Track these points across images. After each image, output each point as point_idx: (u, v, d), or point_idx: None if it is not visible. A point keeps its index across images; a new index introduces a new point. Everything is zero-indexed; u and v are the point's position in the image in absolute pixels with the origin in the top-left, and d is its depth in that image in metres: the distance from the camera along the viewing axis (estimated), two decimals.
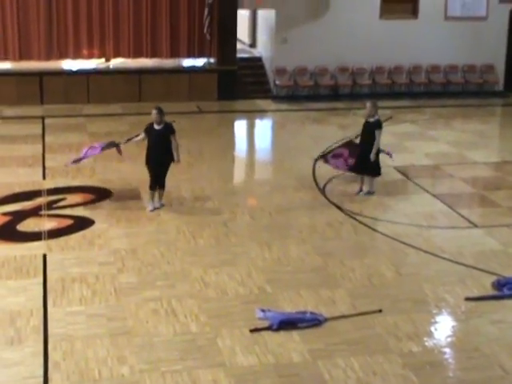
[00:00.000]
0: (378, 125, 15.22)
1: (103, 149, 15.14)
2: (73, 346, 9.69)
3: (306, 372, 9.31)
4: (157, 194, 14.57)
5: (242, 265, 12.23)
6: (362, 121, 15.71)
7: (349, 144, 16.00)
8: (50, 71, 23.31)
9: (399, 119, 22.43)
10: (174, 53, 24.48)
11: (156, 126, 14.22)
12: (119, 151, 15.19)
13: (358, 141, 15.66)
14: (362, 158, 15.32)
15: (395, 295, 11.34)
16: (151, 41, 24.11)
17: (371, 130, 15.18)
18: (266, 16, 25.82)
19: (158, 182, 14.46)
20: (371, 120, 15.25)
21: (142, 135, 14.42)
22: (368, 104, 15.36)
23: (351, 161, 15.67)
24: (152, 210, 14.42)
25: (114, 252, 12.62)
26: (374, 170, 15.48)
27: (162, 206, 14.59)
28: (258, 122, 23.65)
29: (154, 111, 14.20)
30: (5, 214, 14.26)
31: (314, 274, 12.00)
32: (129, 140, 14.87)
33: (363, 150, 15.29)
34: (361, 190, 15.65)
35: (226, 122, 23.00)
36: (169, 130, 14.26)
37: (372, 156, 15.15)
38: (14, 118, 21.54)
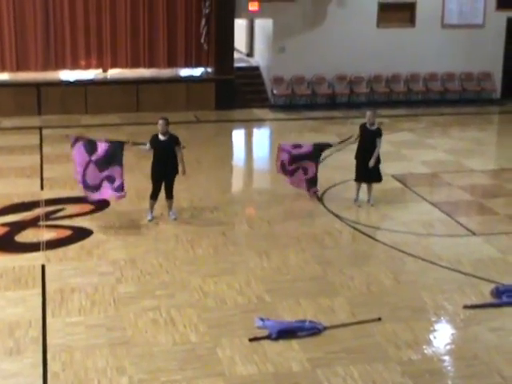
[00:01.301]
0: (379, 133, 15.25)
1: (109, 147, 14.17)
2: (72, 357, 9.68)
3: (305, 381, 9.30)
4: (164, 205, 14.57)
5: (241, 274, 12.23)
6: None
7: (318, 148, 15.86)
8: (48, 82, 23.34)
9: (397, 127, 22.50)
10: (172, 63, 24.51)
11: (161, 137, 14.16)
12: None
13: (356, 142, 15.64)
14: (365, 166, 15.29)
15: (394, 303, 11.34)
16: (148, 51, 24.13)
17: (373, 138, 15.19)
18: (263, 25, 25.85)
19: (165, 192, 14.45)
20: (372, 128, 15.26)
21: (148, 146, 14.31)
22: (368, 112, 15.35)
23: (292, 169, 15.66)
24: (151, 220, 14.41)
25: (113, 262, 12.61)
26: (378, 176, 15.49)
27: (175, 219, 14.54)
28: (255, 131, 23.67)
29: (161, 121, 14.11)
30: (3, 224, 14.25)
31: (313, 283, 12.00)
32: (135, 144, 14.65)
33: (366, 158, 15.26)
34: (357, 199, 15.63)
35: (224, 132, 23.00)
36: (174, 141, 14.23)
37: (371, 162, 15.16)
38: (12, 129, 21.54)
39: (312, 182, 15.67)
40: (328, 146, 15.99)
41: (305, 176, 15.66)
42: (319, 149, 15.83)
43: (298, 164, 15.64)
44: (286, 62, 24.76)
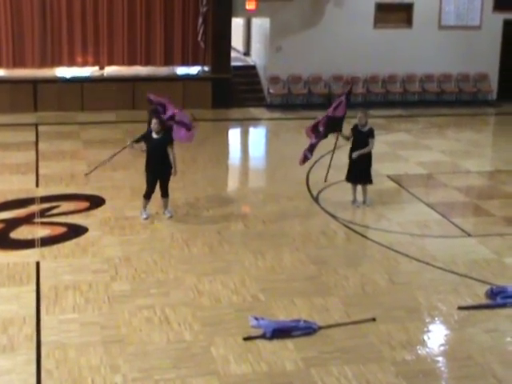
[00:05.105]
0: (371, 134, 15.23)
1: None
2: (66, 354, 9.67)
3: (299, 380, 9.30)
4: (160, 203, 14.56)
5: (236, 273, 12.22)
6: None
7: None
8: (44, 79, 23.29)
9: (393, 128, 22.51)
10: (168, 61, 24.50)
11: (155, 135, 14.18)
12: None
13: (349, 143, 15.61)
14: (356, 167, 15.29)
15: (388, 304, 11.35)
16: (145, 49, 24.12)
17: (365, 139, 15.17)
18: (260, 24, 25.86)
19: (161, 191, 14.43)
20: (364, 130, 15.23)
21: (142, 142, 14.43)
22: (360, 114, 15.29)
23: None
24: (146, 218, 14.39)
25: (108, 260, 12.60)
26: (368, 178, 15.46)
27: (171, 217, 14.52)
28: (251, 130, 23.66)
29: (155, 120, 14.16)
30: None
31: (308, 283, 12.00)
32: (133, 144, 14.76)
33: (358, 159, 15.23)
34: (355, 200, 15.61)
35: (220, 131, 23.00)
36: (167, 139, 14.22)
37: (354, 154, 15.12)
38: (8, 126, 21.48)
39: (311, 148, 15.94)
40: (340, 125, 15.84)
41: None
42: (335, 124, 15.78)
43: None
44: (283, 61, 24.74)
